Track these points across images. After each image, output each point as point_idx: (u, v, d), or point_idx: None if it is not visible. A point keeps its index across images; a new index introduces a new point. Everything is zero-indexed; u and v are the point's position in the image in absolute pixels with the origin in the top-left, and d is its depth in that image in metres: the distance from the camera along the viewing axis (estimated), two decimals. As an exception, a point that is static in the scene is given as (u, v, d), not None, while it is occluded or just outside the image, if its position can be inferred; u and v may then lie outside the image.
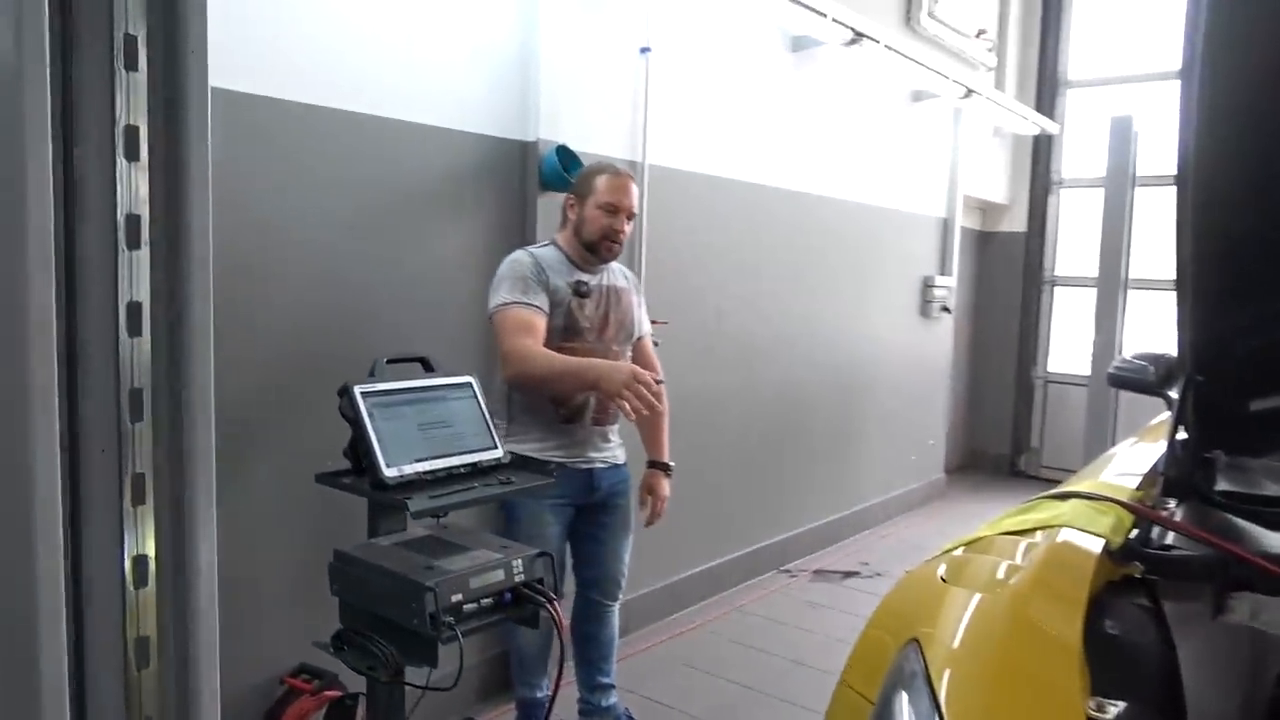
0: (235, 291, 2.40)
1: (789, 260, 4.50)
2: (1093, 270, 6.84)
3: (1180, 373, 2.28)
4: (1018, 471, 7.30)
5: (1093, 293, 6.94)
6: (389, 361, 2.10)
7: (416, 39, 2.75)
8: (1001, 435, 7.33)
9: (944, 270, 6.06)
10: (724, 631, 3.93)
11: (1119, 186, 5.05)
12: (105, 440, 0.92)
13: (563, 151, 3.03)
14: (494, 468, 2.12)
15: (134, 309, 0.94)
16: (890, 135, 5.32)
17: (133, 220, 0.93)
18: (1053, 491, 1.64)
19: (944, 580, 1.38)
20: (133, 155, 0.92)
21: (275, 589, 2.56)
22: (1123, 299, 5.16)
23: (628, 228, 2.59)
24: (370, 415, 1.95)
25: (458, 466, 2.04)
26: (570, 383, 2.45)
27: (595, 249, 2.57)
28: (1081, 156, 6.96)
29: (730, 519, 4.31)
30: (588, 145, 3.18)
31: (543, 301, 2.47)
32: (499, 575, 1.92)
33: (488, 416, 2.19)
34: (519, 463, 2.18)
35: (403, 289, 2.80)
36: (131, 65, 0.91)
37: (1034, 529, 1.50)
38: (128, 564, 0.95)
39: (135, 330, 0.94)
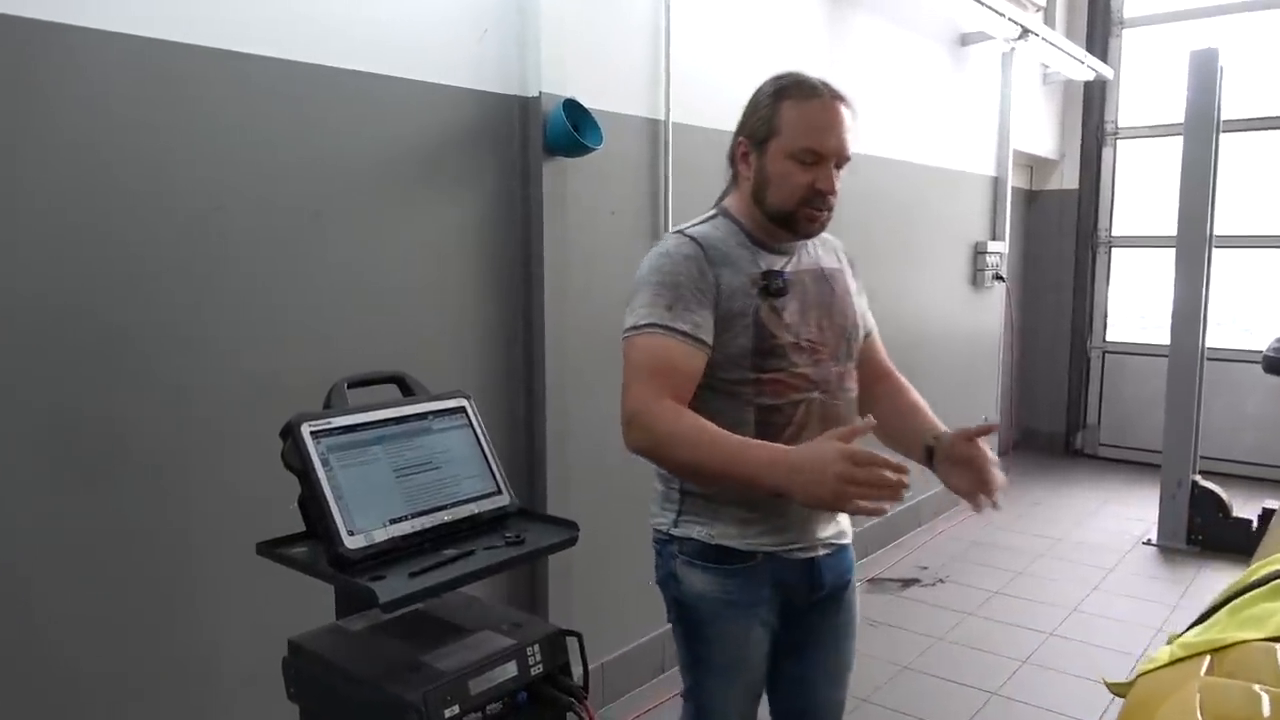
0: (151, 297, 1.88)
1: (831, 228, 3.92)
2: (1153, 229, 6.26)
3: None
4: (1074, 450, 6.75)
5: (1153, 254, 6.36)
6: (352, 385, 1.57)
7: (385, -29, 2.20)
8: (1055, 411, 6.76)
9: (995, 234, 5.48)
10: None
11: (1202, 131, 4.45)
12: None
13: (572, 107, 2.48)
14: (499, 519, 1.60)
15: None
16: (936, 84, 4.73)
17: None
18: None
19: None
20: None
21: (228, 683, 2.06)
22: (1208, 258, 4.57)
23: (839, 182, 1.57)
24: (325, 463, 1.42)
25: (450, 524, 1.52)
26: (736, 482, 1.42)
27: (791, 222, 1.57)
28: (1138, 104, 6.33)
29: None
30: (599, 101, 2.63)
31: (703, 320, 1.50)
32: (510, 670, 1.44)
33: (488, 450, 1.66)
34: (530, 514, 1.65)
35: (371, 287, 2.27)
36: None
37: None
38: None
39: None
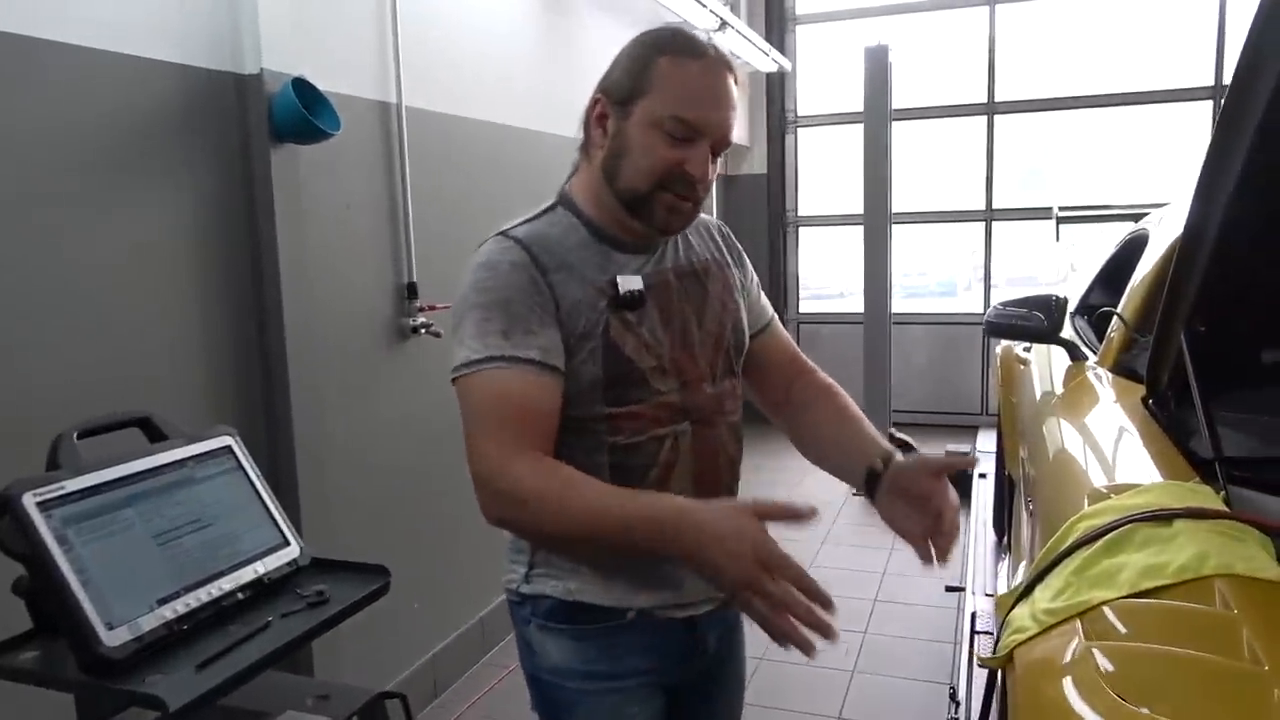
0: None
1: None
2: (836, 208, 6.94)
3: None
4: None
5: (837, 231, 7.07)
6: (83, 434, 1.24)
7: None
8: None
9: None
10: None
11: (878, 119, 4.94)
12: None
13: (303, 87, 2.17)
14: (291, 576, 1.35)
15: None
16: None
17: None
18: (1136, 514, 1.20)
19: (1125, 700, 0.88)
20: None
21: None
22: (889, 234, 5.10)
23: (712, 172, 1.23)
24: (62, 541, 1.10)
25: (234, 592, 1.25)
26: (626, 554, 1.18)
27: (644, 208, 1.22)
28: (814, 94, 6.93)
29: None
30: (323, 82, 2.33)
31: (550, 341, 1.18)
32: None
33: (266, 494, 1.39)
34: (327, 564, 1.41)
35: (77, 306, 1.85)
36: None
37: (1175, 582, 1.04)
38: None
39: None
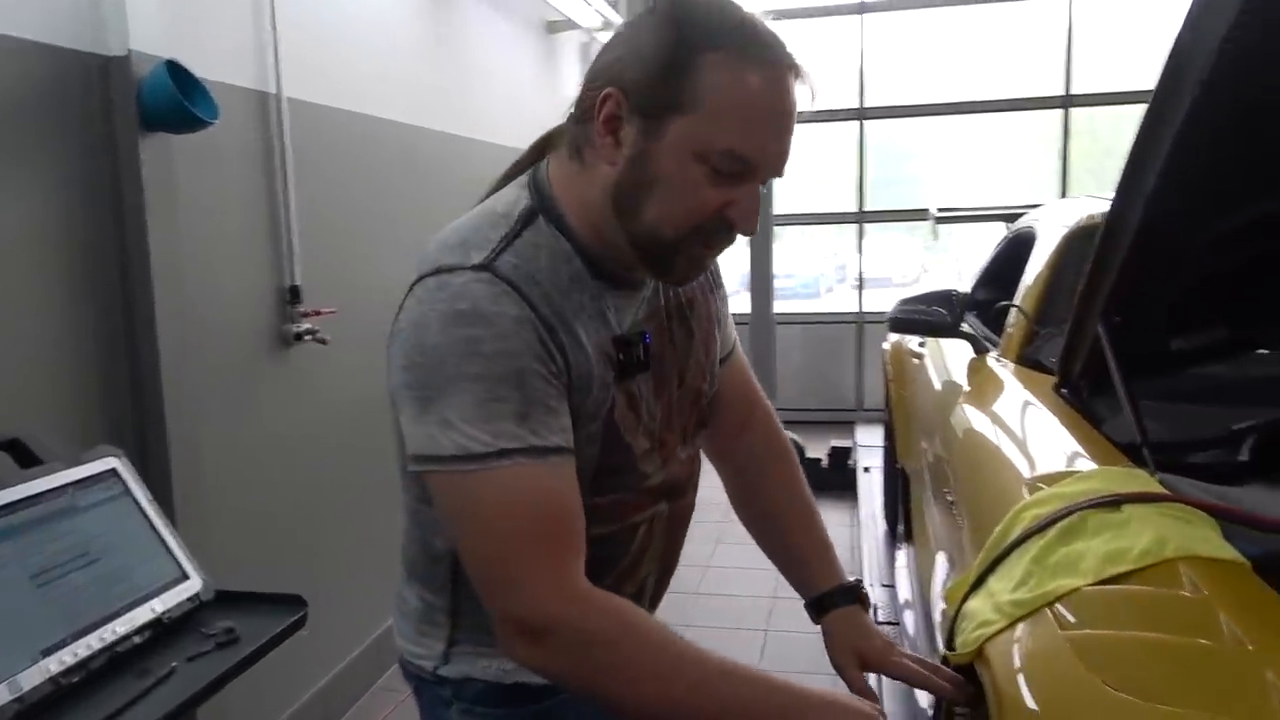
0: None
1: (426, 214, 3.67)
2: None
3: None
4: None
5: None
6: (-62, 463, 1.06)
7: None
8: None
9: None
10: None
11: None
12: None
13: (177, 71, 1.97)
14: (194, 613, 1.20)
15: None
16: (526, 69, 4.71)
17: None
18: (1086, 501, 1.20)
19: (1113, 689, 0.87)
20: None
21: None
22: (771, 235, 5.17)
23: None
24: (-80, 589, 0.93)
25: (130, 636, 1.09)
26: None
27: (665, 259, 0.93)
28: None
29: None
30: (201, 69, 2.12)
31: (567, 423, 0.91)
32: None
33: (159, 522, 1.23)
34: (233, 596, 1.26)
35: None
36: None
37: (1139, 567, 1.05)
38: None
39: None
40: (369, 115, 3.05)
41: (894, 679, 1.14)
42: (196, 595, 1.21)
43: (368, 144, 3.05)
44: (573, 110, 0.95)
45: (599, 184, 0.91)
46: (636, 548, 1.03)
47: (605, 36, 5.14)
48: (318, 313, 2.68)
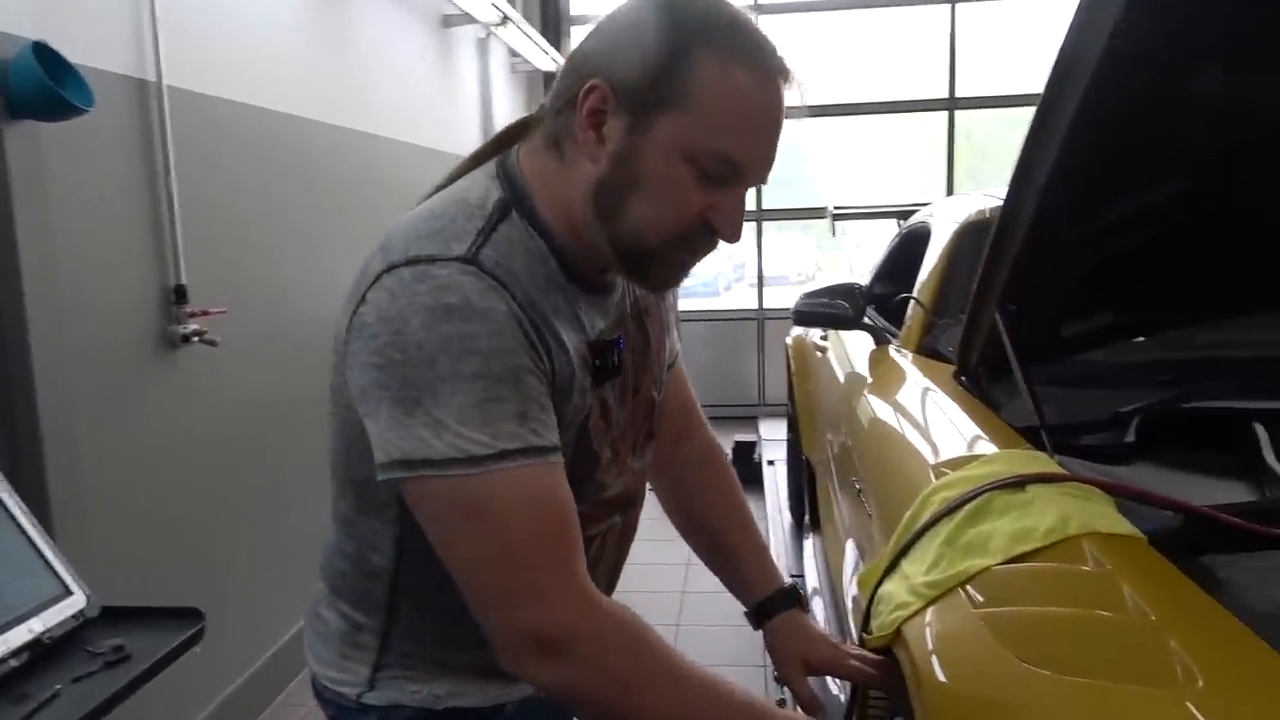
0: None
1: (363, 219, 3.56)
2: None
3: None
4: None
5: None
6: None
7: None
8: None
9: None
10: None
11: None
12: None
13: (46, 54, 1.84)
14: (78, 632, 1.11)
15: None
16: (421, 64, 4.60)
17: None
18: (991, 483, 1.24)
19: (1027, 663, 0.90)
20: None
21: None
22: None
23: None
24: None
25: (5, 659, 1.01)
26: None
27: (643, 264, 0.90)
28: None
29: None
30: (73, 53, 1.99)
31: (555, 423, 0.87)
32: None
33: (36, 534, 1.15)
34: (120, 612, 1.18)
35: None
36: None
37: (1045, 545, 1.08)
38: None
39: None
40: (258, 107, 2.92)
41: (843, 679, 1.14)
42: (81, 612, 1.13)
43: (257, 137, 2.92)
44: (550, 100, 0.90)
45: (580, 181, 0.87)
46: (589, 562, 0.96)
47: (503, 31, 5.11)
48: (206, 313, 2.55)
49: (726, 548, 1.24)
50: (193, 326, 2.51)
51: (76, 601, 1.13)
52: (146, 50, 2.39)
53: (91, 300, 2.17)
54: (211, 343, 2.54)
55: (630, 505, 1.07)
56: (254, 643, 2.86)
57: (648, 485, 1.17)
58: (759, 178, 0.88)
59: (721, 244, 0.91)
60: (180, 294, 2.49)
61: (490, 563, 0.82)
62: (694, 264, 0.93)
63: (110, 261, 2.26)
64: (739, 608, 1.30)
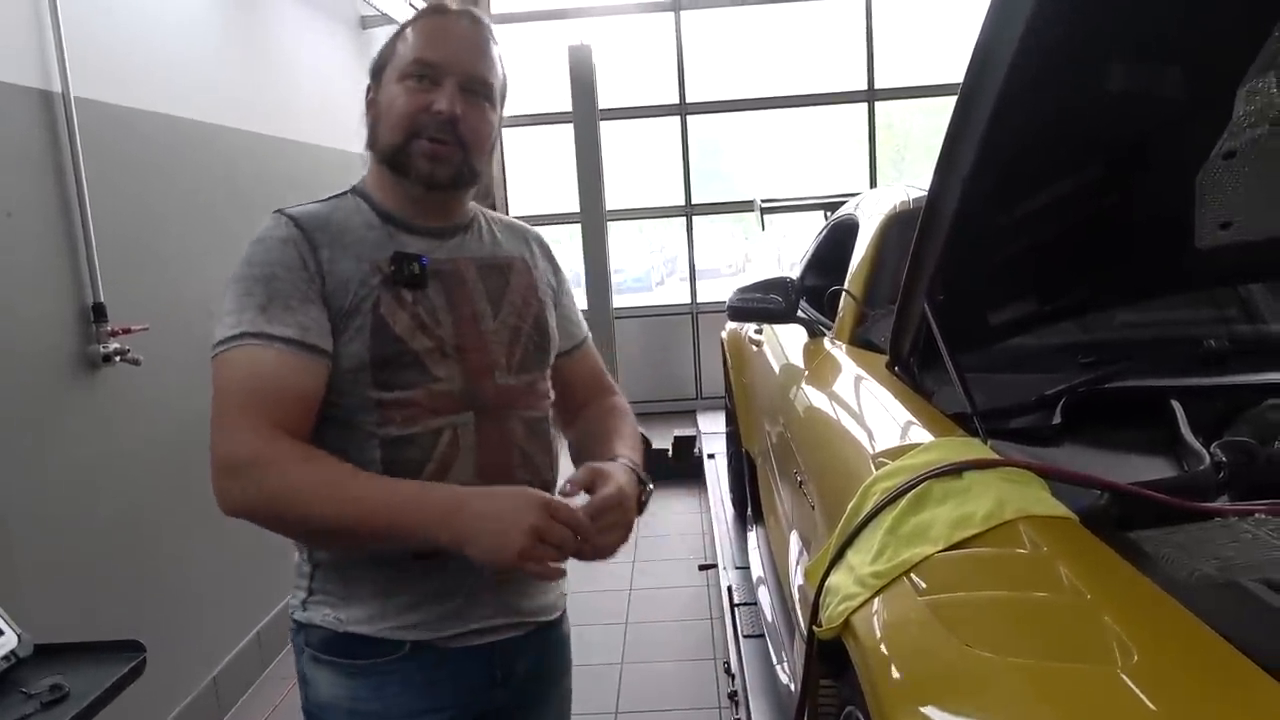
0: None
1: (221, 208, 3.42)
2: (545, 208, 6.95)
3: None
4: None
5: (551, 230, 7.08)
6: None
7: None
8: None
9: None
10: None
11: (587, 118, 5.01)
12: None
13: (-58, 67, 1.75)
14: (10, 672, 1.07)
15: None
16: (336, 66, 4.51)
17: None
18: (929, 471, 1.27)
19: (971, 646, 0.93)
20: None
21: None
22: (605, 231, 5.20)
23: (476, 115, 1.17)
24: None
25: (-66, 708, 0.97)
26: (394, 542, 1.08)
27: (405, 161, 1.17)
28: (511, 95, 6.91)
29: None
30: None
31: (313, 321, 1.11)
32: None
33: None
34: (54, 649, 1.13)
35: None
36: None
37: (984, 530, 1.12)
38: None
39: None
40: (173, 116, 2.83)
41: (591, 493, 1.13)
42: (13, 653, 1.08)
43: (174, 146, 2.84)
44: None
45: (374, 151, 1.22)
46: (440, 456, 1.14)
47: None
48: (127, 330, 2.47)
49: (586, 438, 1.36)
50: (114, 345, 2.43)
51: (7, 641, 1.09)
52: (51, 61, 2.30)
53: (2, 324, 2.09)
54: (135, 361, 2.46)
55: (486, 412, 1.19)
56: (195, 668, 2.79)
57: (563, 441, 1.37)
58: (460, 70, 1.15)
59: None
60: (99, 312, 2.40)
61: (215, 416, 1.07)
62: (445, 152, 1.16)
63: (21, 282, 2.17)
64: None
